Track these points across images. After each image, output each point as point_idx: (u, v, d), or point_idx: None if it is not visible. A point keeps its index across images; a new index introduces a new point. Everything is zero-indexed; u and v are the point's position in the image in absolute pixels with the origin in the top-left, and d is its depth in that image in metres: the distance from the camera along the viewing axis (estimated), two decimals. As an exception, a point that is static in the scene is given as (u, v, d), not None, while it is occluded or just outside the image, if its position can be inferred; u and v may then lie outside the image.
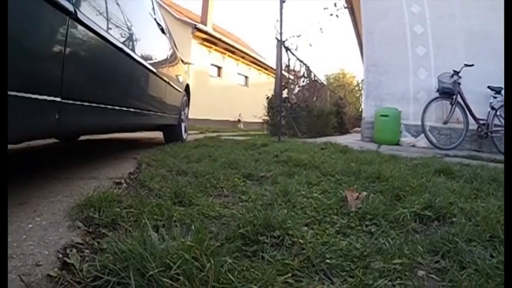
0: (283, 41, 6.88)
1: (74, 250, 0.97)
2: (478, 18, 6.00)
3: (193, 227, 1.07)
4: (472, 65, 5.50)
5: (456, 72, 5.60)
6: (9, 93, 1.06)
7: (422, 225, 1.41)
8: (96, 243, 1.05)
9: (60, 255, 0.95)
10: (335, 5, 9.64)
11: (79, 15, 1.47)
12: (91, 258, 0.93)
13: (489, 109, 5.53)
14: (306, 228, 1.26)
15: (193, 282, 0.77)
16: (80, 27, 1.53)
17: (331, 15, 9.83)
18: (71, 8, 1.39)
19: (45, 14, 1.27)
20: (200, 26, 14.84)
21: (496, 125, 5.44)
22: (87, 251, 1.00)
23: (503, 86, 5.25)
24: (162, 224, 1.18)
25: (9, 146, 2.88)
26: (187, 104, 5.03)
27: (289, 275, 0.89)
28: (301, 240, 1.12)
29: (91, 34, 1.66)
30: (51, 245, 1.01)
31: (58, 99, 1.38)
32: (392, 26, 6.57)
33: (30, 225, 1.13)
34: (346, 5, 10.27)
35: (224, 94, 16.86)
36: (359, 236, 1.21)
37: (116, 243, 0.89)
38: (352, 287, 0.85)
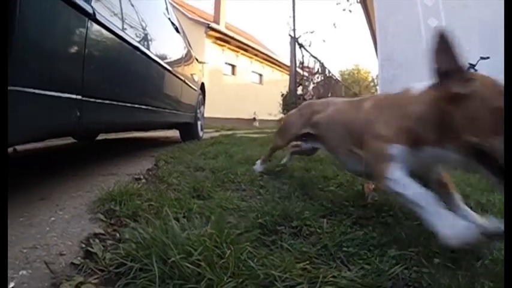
0: (297, 38, 6.85)
1: (97, 240, 1.01)
2: (491, 8, 5.87)
3: (212, 218, 1.09)
4: (488, 57, 5.37)
5: (472, 66, 5.48)
6: (35, 91, 1.12)
7: (440, 216, 1.40)
8: (118, 234, 1.08)
9: (83, 245, 0.98)
10: (347, -1, 9.54)
11: (97, 16, 1.52)
12: (114, 248, 0.96)
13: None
14: (323, 219, 1.28)
15: (214, 268, 0.79)
16: (98, 27, 1.58)
17: (343, 10, 9.74)
18: (90, 9, 1.44)
19: (66, 15, 1.32)
20: (213, 25, 14.88)
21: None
22: (109, 241, 1.03)
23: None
24: (182, 216, 1.21)
25: (29, 145, 2.97)
26: (202, 102, 5.06)
27: (307, 262, 0.91)
28: (318, 230, 1.14)
29: (109, 34, 1.70)
30: (74, 236, 1.04)
31: (79, 97, 1.43)
32: (406, 20, 6.49)
33: (52, 219, 1.18)
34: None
35: (238, 92, 16.87)
36: (376, 227, 1.22)
37: (138, 232, 0.92)
38: (369, 274, 0.86)
